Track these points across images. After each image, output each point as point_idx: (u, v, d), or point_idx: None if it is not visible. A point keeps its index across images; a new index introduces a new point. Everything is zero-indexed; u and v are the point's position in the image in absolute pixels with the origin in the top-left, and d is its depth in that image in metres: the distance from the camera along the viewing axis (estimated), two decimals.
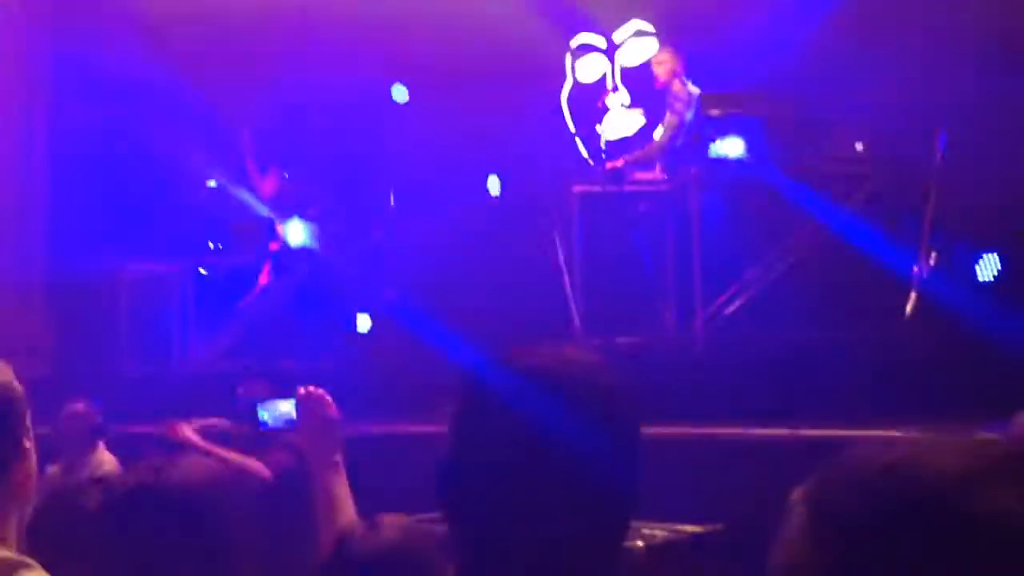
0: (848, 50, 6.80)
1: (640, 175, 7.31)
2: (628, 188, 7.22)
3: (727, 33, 7.19)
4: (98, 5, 8.06)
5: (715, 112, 6.68)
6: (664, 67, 7.05)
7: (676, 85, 7.03)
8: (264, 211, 7.19)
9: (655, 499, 1.63)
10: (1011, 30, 6.30)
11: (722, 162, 6.79)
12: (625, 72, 7.71)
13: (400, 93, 8.03)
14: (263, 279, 7.15)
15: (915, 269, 6.11)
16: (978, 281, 6.27)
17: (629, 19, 7.76)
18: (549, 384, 1.27)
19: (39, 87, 7.97)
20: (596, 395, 1.30)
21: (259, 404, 2.68)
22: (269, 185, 7.27)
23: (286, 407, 2.56)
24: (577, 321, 7.00)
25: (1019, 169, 6.03)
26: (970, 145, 6.19)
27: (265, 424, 2.62)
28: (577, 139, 7.82)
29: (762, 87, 6.93)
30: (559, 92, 8.03)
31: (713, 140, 6.69)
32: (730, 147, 6.66)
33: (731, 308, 6.78)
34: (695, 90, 6.99)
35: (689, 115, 6.93)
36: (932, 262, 6.08)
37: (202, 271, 7.08)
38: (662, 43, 7.26)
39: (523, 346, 1.35)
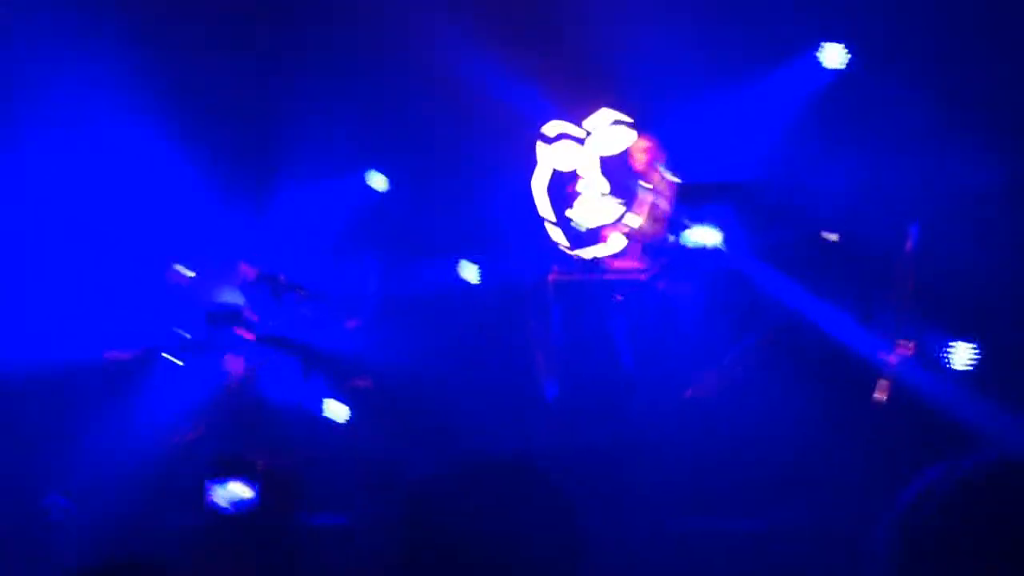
0: (820, 139, 6.92)
1: (617, 263, 7.35)
2: (605, 276, 7.25)
3: (699, 122, 7.32)
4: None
5: (690, 201, 6.75)
6: (644, 155, 7.12)
7: (655, 175, 7.10)
8: (238, 299, 7.15)
9: None
10: (979, 122, 6.44)
11: (698, 251, 6.85)
12: (603, 161, 7.81)
13: (377, 180, 8.07)
14: (234, 367, 7.08)
15: (889, 357, 6.13)
16: (952, 369, 6.29)
17: (601, 108, 7.88)
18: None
19: None
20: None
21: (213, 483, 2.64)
22: (247, 273, 7.25)
23: (240, 489, 2.52)
24: (552, 405, 6.97)
25: (991, 259, 6.10)
26: (943, 235, 6.27)
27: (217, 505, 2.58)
28: (554, 226, 7.87)
29: (735, 176, 7.02)
30: (532, 179, 8.11)
31: (687, 229, 6.75)
32: (706, 236, 6.72)
33: (707, 392, 6.77)
34: (674, 179, 7.06)
35: (664, 204, 6.99)
36: (907, 350, 6.10)
37: (172, 358, 7.00)
38: (642, 131, 7.35)
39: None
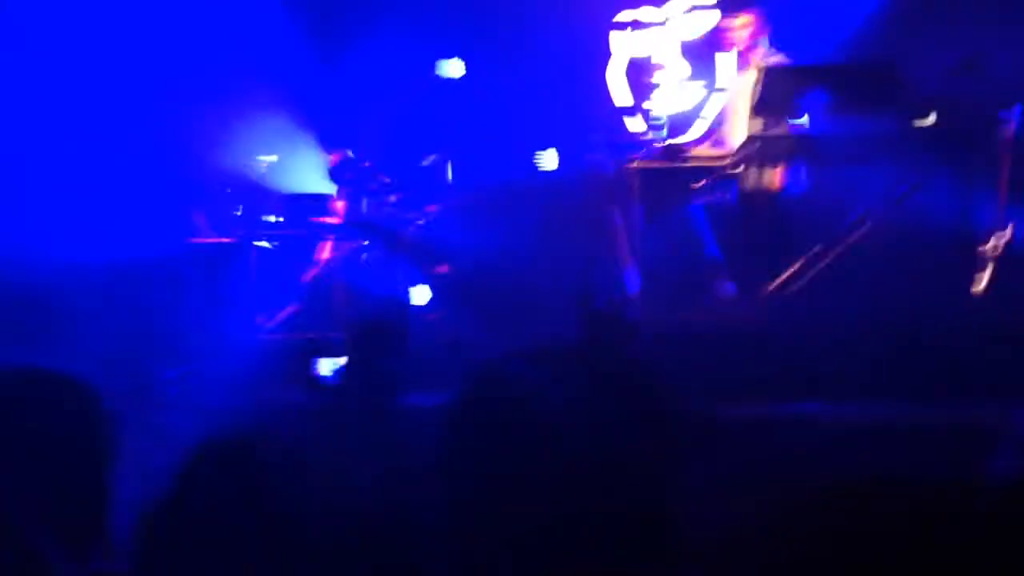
0: (920, 21, 6.71)
1: (699, 150, 7.23)
2: (687, 164, 7.13)
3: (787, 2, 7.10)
4: None
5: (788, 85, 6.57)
6: (746, 31, 6.84)
7: (758, 54, 6.87)
8: (325, 186, 7.15)
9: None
10: None
11: (785, 136, 6.70)
12: (686, 45, 7.63)
13: (454, 67, 7.96)
14: (324, 253, 7.10)
15: (991, 243, 6.03)
16: None
17: None
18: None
19: None
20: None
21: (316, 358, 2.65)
22: (332, 159, 7.22)
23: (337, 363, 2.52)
24: (638, 294, 6.93)
25: None
26: None
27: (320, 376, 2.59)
28: (633, 115, 7.75)
29: (830, 57, 6.83)
30: (611, 67, 7.96)
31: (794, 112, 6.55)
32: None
33: (796, 284, 6.70)
34: (781, 59, 6.85)
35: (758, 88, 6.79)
36: (1008, 236, 5.99)
37: (264, 244, 7.03)
38: (744, 7, 7.04)
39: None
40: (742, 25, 6.84)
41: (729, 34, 6.95)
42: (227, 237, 7.00)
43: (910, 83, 6.55)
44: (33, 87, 7.35)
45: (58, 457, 1.71)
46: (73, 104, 7.32)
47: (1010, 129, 6.22)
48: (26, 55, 7.42)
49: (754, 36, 6.83)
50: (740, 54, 6.92)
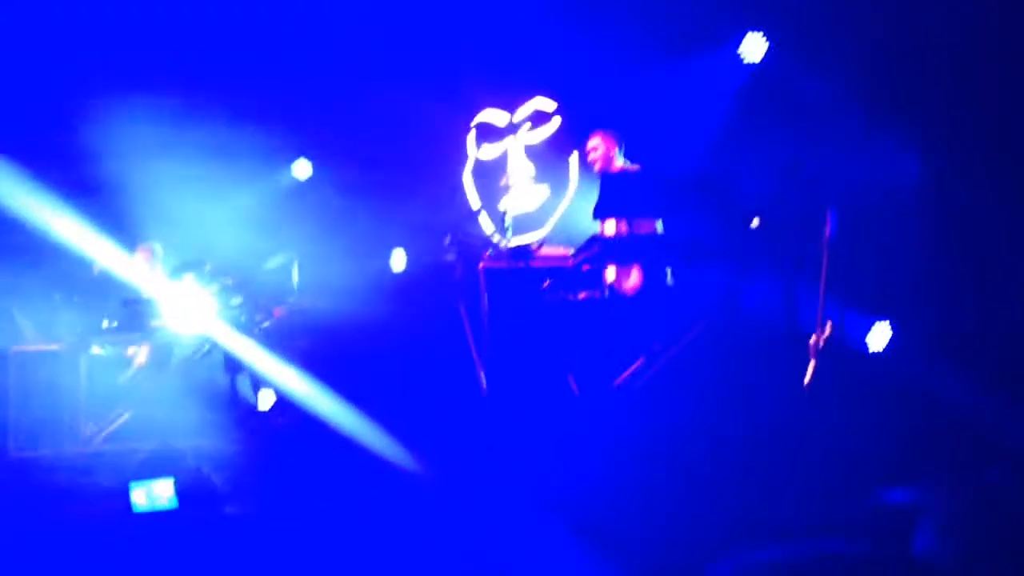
0: (745, 131, 7.12)
1: (545, 251, 7.45)
2: (533, 263, 7.34)
3: (625, 113, 7.47)
4: None
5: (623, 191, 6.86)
6: (598, 153, 7.22)
7: (614, 165, 7.22)
8: (151, 289, 7.10)
9: None
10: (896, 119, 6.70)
11: (625, 238, 6.99)
12: (531, 149, 7.90)
13: (301, 168, 8.05)
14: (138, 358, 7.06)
15: (813, 338, 6.35)
16: (870, 350, 6.56)
17: (531, 98, 8.00)
18: None
19: None
20: None
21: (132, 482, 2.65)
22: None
23: (163, 488, 2.54)
24: (485, 391, 7.04)
25: (905, 243, 6.37)
26: (859, 220, 6.52)
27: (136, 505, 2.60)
28: (482, 214, 7.95)
29: (672, 166, 7.19)
30: (462, 169, 8.17)
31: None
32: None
33: (637, 380, 6.91)
34: (633, 167, 7.18)
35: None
36: (827, 332, 6.32)
37: (96, 350, 6.91)
38: (593, 130, 7.38)
39: None
40: (594, 146, 7.24)
41: (589, 152, 7.31)
42: (54, 344, 6.89)
43: (740, 188, 6.94)
44: None
45: None
46: None
47: (829, 229, 6.63)
48: None
49: (608, 152, 7.20)
50: (601, 171, 7.23)
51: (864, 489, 4.75)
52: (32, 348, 6.97)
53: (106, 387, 6.87)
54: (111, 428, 6.77)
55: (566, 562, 4.98)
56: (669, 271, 6.90)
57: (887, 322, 6.43)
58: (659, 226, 6.88)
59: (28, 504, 5.51)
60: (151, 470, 4.77)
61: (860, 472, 5.21)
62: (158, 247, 7.56)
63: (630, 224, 7.09)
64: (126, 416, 6.81)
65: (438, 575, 4.88)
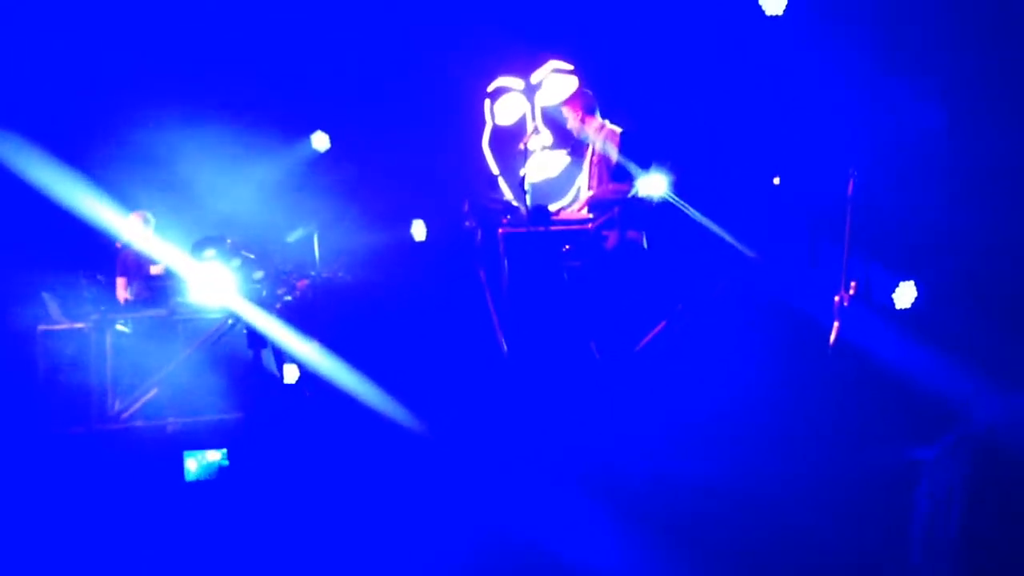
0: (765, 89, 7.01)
1: (564, 214, 7.40)
2: (552, 228, 7.30)
3: (641, 69, 7.36)
4: None
5: (636, 151, 6.79)
6: (572, 115, 7.13)
7: (591, 126, 7.11)
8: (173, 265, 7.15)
9: None
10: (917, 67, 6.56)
11: (645, 200, 6.92)
12: (547, 113, 7.83)
13: (320, 141, 8.03)
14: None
15: (836, 299, 6.28)
16: (895, 308, 6.47)
17: (546, 60, 7.91)
18: None
19: None
20: None
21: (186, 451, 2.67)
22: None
23: (214, 456, 2.56)
24: (506, 355, 7.04)
25: (930, 201, 6.26)
26: (883, 180, 6.41)
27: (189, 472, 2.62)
28: (500, 181, 7.90)
29: (680, 124, 7.09)
30: (480, 136, 8.13)
31: (635, 179, 6.81)
32: (653, 185, 6.78)
33: (656, 343, 6.88)
34: (616, 128, 7.09)
35: (614, 154, 7.02)
36: (851, 292, 6.25)
37: (121, 327, 6.97)
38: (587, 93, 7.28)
39: None
40: (566, 115, 7.13)
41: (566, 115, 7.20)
42: (79, 322, 6.96)
43: (758, 145, 6.85)
44: None
45: None
46: None
47: (852, 186, 6.53)
48: None
49: (580, 115, 7.09)
50: (578, 132, 7.12)
51: (886, 442, 4.71)
52: (59, 327, 7.04)
53: (132, 364, 6.93)
54: (138, 404, 6.84)
55: (585, 525, 5.01)
56: (644, 235, 6.82)
57: (912, 281, 6.33)
58: (666, 186, 6.77)
59: (66, 480, 5.59)
60: (183, 444, 4.83)
61: (883, 428, 5.18)
62: (150, 215, 7.62)
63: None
64: (153, 392, 6.88)
65: (461, 538, 4.93)
